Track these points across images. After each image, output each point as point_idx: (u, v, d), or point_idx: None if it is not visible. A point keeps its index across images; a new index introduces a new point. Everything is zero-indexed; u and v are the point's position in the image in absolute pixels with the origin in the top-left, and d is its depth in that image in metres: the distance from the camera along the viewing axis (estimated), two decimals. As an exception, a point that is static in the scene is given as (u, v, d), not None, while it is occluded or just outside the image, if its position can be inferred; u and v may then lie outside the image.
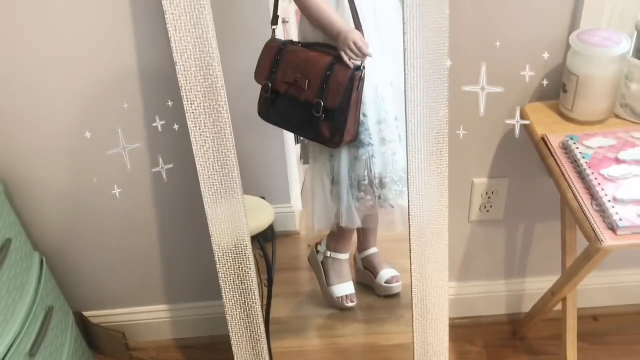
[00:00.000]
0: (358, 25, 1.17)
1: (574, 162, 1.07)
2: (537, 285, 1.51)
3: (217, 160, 1.09)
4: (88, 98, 1.22)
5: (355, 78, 1.17)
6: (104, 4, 1.12)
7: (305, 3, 1.21)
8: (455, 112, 1.08)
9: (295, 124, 1.29)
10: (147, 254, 1.47)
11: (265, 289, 1.51)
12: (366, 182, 1.32)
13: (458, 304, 1.56)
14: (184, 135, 1.07)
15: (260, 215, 1.40)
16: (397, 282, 1.56)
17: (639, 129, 1.12)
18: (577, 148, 1.08)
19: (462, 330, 1.57)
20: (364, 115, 1.24)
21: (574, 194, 1.02)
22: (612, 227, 0.95)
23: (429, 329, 1.25)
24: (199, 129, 1.07)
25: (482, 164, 1.34)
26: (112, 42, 1.16)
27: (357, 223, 1.40)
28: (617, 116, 1.17)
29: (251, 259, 1.19)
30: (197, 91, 1.05)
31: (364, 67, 1.18)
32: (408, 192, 1.13)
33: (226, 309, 1.22)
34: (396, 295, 1.58)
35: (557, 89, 1.18)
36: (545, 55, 1.15)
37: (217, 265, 1.18)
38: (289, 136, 1.43)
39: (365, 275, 1.59)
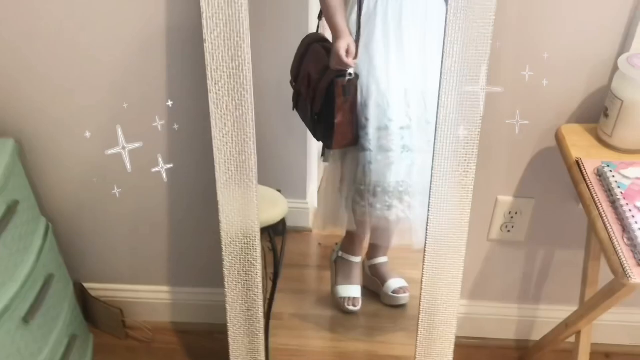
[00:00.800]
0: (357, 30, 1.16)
1: (608, 191, 1.01)
2: (551, 314, 1.46)
3: (236, 145, 1.05)
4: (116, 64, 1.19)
5: (336, 85, 1.18)
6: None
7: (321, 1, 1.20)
8: (488, 124, 1.04)
9: (306, 122, 1.30)
10: (153, 233, 1.44)
11: (270, 283, 1.48)
12: (362, 187, 1.30)
13: (466, 323, 1.51)
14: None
15: (274, 207, 1.37)
16: (404, 293, 1.52)
17: (682, 164, 1.06)
18: (614, 176, 1.02)
19: (467, 351, 1.52)
20: (366, 119, 1.23)
21: (604, 223, 0.97)
22: (642, 264, 0.89)
23: (433, 345, 1.20)
24: (220, 111, 1.03)
25: (509, 182, 1.28)
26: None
27: (353, 227, 1.41)
28: (659, 147, 1.11)
29: (259, 250, 1.16)
30: (223, 72, 1.01)
31: (351, 74, 1.17)
32: (429, 202, 1.09)
33: (227, 298, 1.19)
34: (403, 306, 1.55)
35: (597, 112, 1.12)
36: (589, 76, 1.10)
37: (223, 253, 1.15)
38: (312, 133, 1.42)
39: (373, 282, 1.55)
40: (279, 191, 1.40)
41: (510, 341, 1.54)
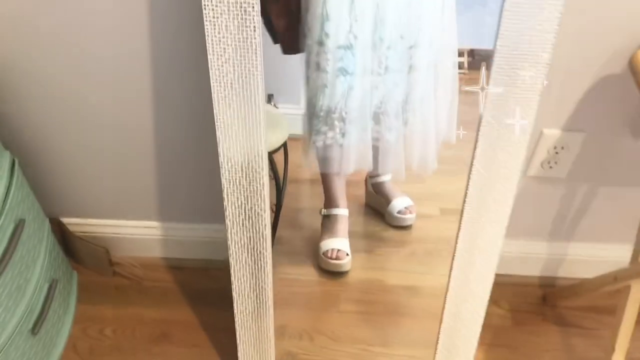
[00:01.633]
0: None
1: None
2: (582, 251, 1.34)
3: (237, 50, 0.83)
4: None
5: None
6: None
7: None
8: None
9: None
10: (140, 162, 1.24)
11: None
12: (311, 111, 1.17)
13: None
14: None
15: (274, 131, 1.19)
16: (410, 213, 1.42)
17: None
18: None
19: (488, 288, 1.40)
20: (308, 29, 1.07)
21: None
22: None
23: (469, 283, 1.06)
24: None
25: (559, 113, 1.09)
26: None
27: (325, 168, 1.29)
28: None
29: (266, 179, 0.97)
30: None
31: None
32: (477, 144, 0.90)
33: (229, 234, 1.01)
34: (408, 227, 1.45)
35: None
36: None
37: (223, 181, 0.96)
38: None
39: (377, 200, 1.44)
40: (271, 96, 1.24)
41: (534, 278, 1.42)
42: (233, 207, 0.99)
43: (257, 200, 0.98)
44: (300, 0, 1.06)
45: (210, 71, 0.83)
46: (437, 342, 1.15)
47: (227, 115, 0.88)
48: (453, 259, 1.02)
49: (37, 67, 1.08)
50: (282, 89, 1.26)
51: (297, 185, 1.50)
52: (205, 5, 0.78)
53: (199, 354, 1.26)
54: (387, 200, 1.42)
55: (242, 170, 0.94)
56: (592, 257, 1.34)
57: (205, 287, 1.39)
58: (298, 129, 1.37)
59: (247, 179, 0.96)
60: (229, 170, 0.94)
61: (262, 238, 1.03)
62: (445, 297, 1.08)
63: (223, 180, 0.95)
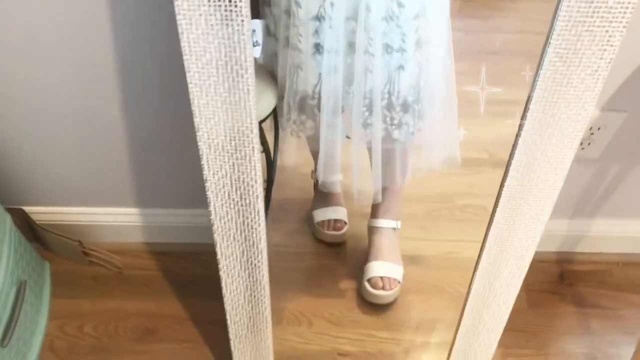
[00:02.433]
0: None
1: None
2: (606, 227, 1.23)
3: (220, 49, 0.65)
4: None
5: None
6: None
7: None
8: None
9: None
10: (110, 141, 1.08)
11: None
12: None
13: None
14: None
15: (259, 98, 1.00)
16: (387, 288, 1.20)
17: None
18: None
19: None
20: (297, 3, 0.85)
21: None
22: None
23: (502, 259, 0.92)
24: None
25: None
26: None
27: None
28: None
29: (256, 154, 0.78)
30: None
31: None
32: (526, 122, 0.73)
33: (214, 227, 0.85)
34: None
35: None
36: None
37: (203, 164, 0.77)
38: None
39: None
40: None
41: (551, 254, 1.31)
42: (215, 178, 0.79)
43: (246, 168, 0.78)
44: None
45: (187, 75, 0.66)
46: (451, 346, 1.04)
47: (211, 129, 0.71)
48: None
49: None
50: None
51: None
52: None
53: (189, 351, 1.15)
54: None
55: (225, 135, 0.75)
56: (615, 233, 1.23)
57: (192, 275, 1.26)
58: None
59: (233, 143, 0.76)
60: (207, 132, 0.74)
61: (255, 212, 0.83)
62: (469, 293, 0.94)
63: (201, 144, 0.75)
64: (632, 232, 1.23)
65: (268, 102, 1.05)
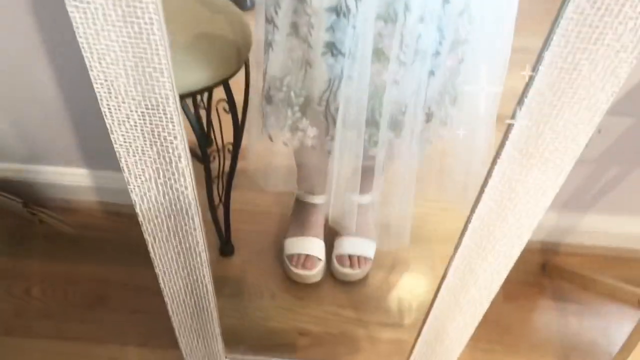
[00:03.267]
0: None
1: None
2: (598, 224, 1.13)
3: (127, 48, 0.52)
4: None
5: None
6: None
7: None
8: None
9: None
10: (53, 107, 0.97)
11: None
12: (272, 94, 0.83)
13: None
14: None
15: (230, 50, 0.87)
16: (354, 266, 1.12)
17: None
18: None
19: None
20: None
21: None
22: None
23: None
24: None
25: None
26: None
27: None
28: None
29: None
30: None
31: None
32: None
33: (140, 219, 0.72)
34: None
35: None
36: None
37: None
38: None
39: None
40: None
41: (535, 243, 1.22)
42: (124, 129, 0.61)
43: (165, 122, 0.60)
44: None
45: (93, 82, 0.54)
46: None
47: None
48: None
49: None
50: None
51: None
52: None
53: (138, 322, 1.09)
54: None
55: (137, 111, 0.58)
56: (605, 229, 1.14)
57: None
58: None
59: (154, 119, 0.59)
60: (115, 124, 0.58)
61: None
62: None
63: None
64: (622, 228, 1.14)
65: (236, 62, 0.92)
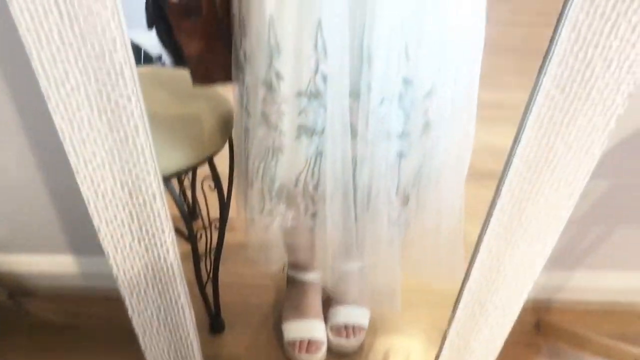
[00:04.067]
0: None
1: None
2: (587, 280, 1.14)
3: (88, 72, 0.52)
4: None
5: None
6: None
7: None
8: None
9: None
10: (31, 191, 0.97)
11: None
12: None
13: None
14: None
15: (211, 130, 0.88)
16: (350, 335, 1.10)
17: None
18: None
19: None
20: (245, 55, 0.71)
21: None
22: None
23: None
24: None
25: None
26: None
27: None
28: None
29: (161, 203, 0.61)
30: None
31: None
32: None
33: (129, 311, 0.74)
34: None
35: None
36: None
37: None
38: None
39: None
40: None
41: (527, 302, 1.21)
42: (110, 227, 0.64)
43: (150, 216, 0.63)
44: (231, 14, 0.71)
45: (50, 107, 0.52)
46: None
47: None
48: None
49: None
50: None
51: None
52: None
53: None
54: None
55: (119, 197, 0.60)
56: (595, 284, 1.15)
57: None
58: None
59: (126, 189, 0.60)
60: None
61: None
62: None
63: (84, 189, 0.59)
64: (612, 283, 1.15)
65: (220, 139, 0.93)
